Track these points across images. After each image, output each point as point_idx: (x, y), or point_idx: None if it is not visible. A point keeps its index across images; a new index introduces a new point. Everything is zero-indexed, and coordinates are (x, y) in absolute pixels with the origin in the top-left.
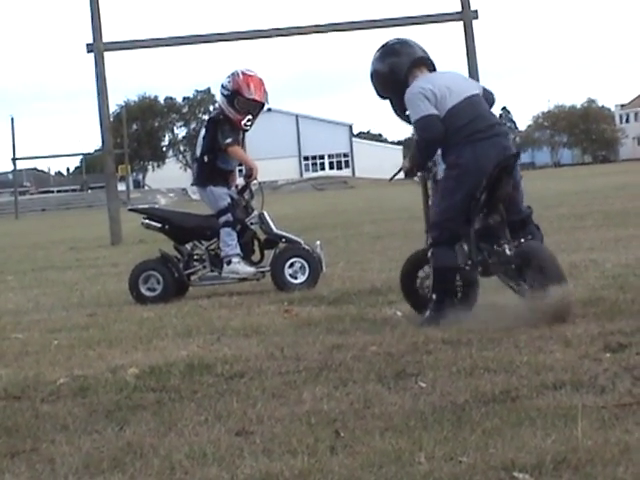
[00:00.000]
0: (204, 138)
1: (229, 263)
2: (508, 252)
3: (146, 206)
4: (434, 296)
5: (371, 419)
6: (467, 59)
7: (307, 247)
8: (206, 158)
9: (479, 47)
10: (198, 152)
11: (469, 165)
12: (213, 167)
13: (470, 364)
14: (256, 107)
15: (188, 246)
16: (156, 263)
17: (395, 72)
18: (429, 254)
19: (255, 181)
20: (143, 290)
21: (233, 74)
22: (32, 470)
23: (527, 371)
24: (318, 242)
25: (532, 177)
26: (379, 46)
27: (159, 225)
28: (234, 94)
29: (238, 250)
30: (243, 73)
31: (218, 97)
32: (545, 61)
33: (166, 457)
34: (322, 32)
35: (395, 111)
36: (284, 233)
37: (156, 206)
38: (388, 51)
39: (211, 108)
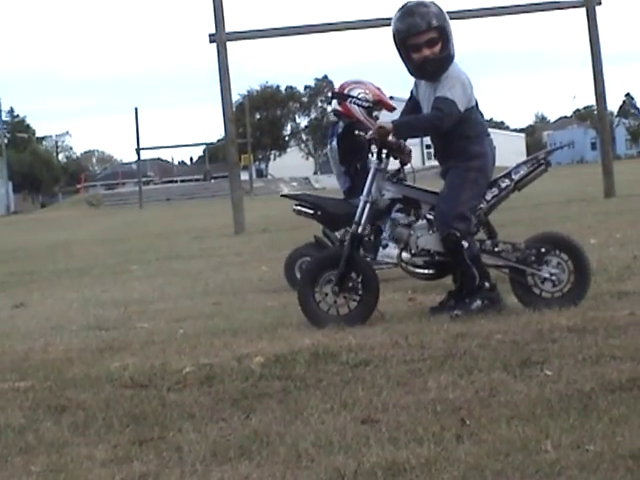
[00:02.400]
0: (344, 149)
1: (385, 247)
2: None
3: (299, 192)
4: (486, 284)
5: (497, 407)
6: (590, 45)
7: None
8: (359, 165)
9: (602, 32)
10: (342, 166)
11: (489, 157)
12: (364, 173)
13: (596, 352)
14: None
15: (338, 233)
16: (312, 249)
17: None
18: (463, 245)
19: (408, 166)
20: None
21: (363, 83)
22: (160, 458)
23: None
24: None
25: None
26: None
27: (311, 211)
28: (377, 104)
29: None
30: (372, 84)
31: (352, 108)
32: None
33: (292, 445)
34: (451, 18)
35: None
36: None
37: (308, 192)
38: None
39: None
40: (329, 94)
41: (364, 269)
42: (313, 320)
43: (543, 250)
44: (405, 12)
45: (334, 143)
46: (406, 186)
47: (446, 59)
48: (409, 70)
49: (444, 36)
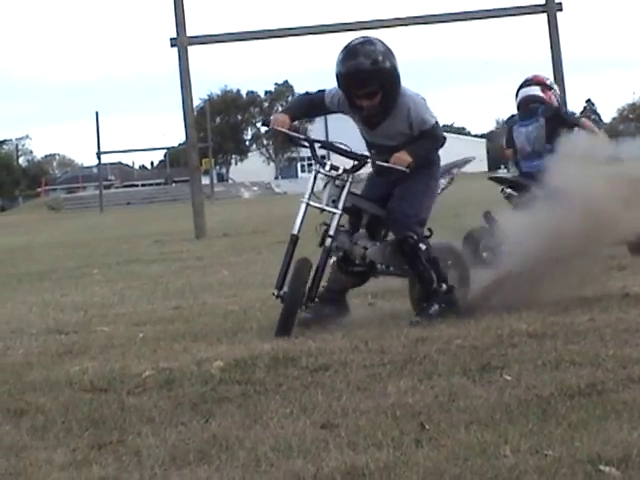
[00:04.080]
0: (552, 129)
1: None
2: None
3: (507, 175)
4: (443, 287)
5: (456, 412)
6: (551, 51)
7: None
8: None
9: (563, 39)
10: (548, 145)
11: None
12: None
13: (555, 357)
14: None
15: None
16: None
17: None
18: (420, 248)
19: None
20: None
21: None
22: (119, 462)
23: (613, 364)
24: None
25: None
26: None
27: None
28: None
29: None
30: None
31: (552, 98)
32: (631, 53)
33: (252, 449)
34: (405, 25)
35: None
36: None
37: (517, 175)
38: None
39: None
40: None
41: None
42: (284, 332)
43: (448, 263)
44: (347, 54)
45: (539, 123)
46: (355, 195)
47: (387, 107)
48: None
49: (386, 85)
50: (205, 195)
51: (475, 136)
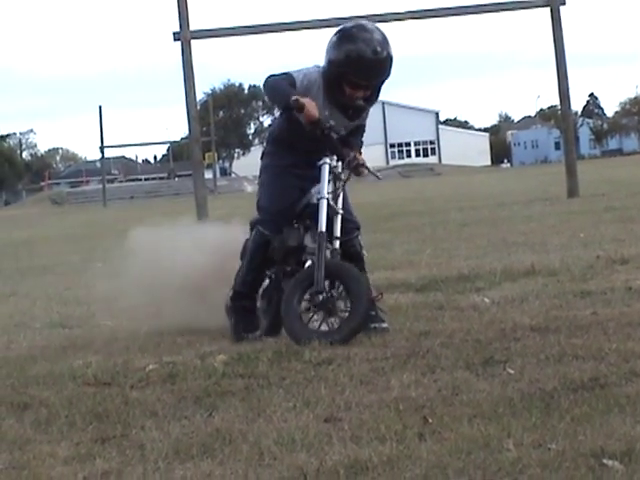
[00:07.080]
0: None
1: None
2: None
3: None
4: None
5: (459, 406)
6: (554, 45)
7: None
8: None
9: (566, 33)
10: None
11: None
12: None
13: (558, 351)
14: None
15: None
16: None
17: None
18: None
19: None
20: None
21: None
22: (122, 455)
23: (616, 358)
24: None
25: (620, 163)
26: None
27: None
28: None
29: None
30: None
31: None
32: (634, 47)
33: (255, 443)
34: (402, 20)
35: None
36: None
37: None
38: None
39: None
40: None
41: None
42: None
43: None
44: (363, 38)
45: None
46: None
47: (370, 102)
48: (332, 99)
49: (384, 80)
50: (208, 189)
51: (478, 130)
